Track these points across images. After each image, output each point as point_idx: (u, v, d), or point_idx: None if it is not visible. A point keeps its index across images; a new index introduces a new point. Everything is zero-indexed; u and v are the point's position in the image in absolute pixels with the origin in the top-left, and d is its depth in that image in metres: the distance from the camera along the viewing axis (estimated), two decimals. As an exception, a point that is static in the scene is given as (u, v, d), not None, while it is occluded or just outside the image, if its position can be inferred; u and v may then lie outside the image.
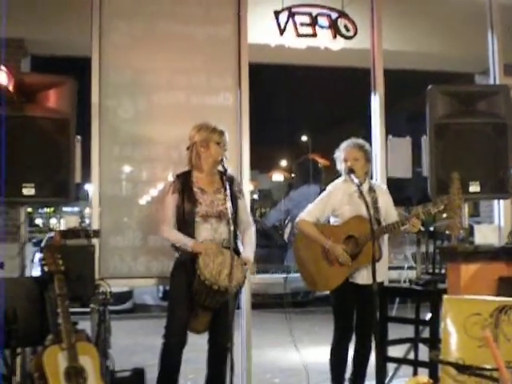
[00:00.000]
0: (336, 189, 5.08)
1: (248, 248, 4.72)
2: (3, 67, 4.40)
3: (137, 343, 8.36)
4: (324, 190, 5.23)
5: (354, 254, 4.87)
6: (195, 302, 4.49)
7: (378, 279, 4.52)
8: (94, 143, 5.35)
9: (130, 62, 5.52)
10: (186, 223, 4.61)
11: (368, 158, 5.10)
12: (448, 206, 4.67)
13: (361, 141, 5.13)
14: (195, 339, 4.71)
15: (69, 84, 4.86)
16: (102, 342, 4.67)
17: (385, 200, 5.08)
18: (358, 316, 5.00)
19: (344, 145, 5.11)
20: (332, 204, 5.02)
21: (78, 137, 4.99)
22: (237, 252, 4.52)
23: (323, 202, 5.06)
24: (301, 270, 5.07)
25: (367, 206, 4.52)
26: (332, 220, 5.11)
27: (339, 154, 5.11)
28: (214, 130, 4.71)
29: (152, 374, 4.81)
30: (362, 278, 4.90)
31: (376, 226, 4.74)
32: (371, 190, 5.01)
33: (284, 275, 5.37)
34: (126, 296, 11.82)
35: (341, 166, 5.10)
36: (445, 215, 4.75)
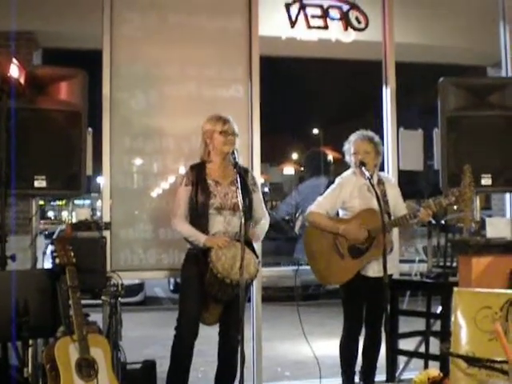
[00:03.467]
0: (345, 181, 5.05)
1: (256, 228, 4.72)
2: (14, 60, 4.41)
3: (148, 335, 8.39)
4: (332, 182, 5.20)
5: (366, 246, 4.87)
6: (207, 295, 4.50)
7: (389, 272, 4.54)
8: (105, 135, 5.35)
9: (141, 54, 5.52)
10: (199, 215, 4.59)
11: (378, 151, 5.05)
12: (459, 198, 4.66)
13: (370, 133, 5.09)
14: (206, 331, 4.72)
15: (80, 76, 4.87)
16: (113, 334, 4.68)
17: (393, 193, 5.06)
18: (368, 309, 4.99)
19: (354, 137, 5.06)
20: (342, 197, 5.00)
21: (90, 129, 5.02)
22: (249, 245, 4.53)
23: (333, 195, 5.03)
24: (312, 264, 5.04)
25: (378, 199, 4.51)
26: (341, 213, 5.09)
27: (349, 147, 5.06)
28: (217, 120, 4.69)
29: (163, 367, 4.83)
30: (373, 270, 4.89)
31: (386, 219, 4.72)
32: (380, 182, 4.99)
33: (295, 267, 5.34)
34: (137, 288, 11.87)
35: (350, 159, 5.07)
36: (455, 207, 4.73)
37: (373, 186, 4.67)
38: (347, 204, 4.99)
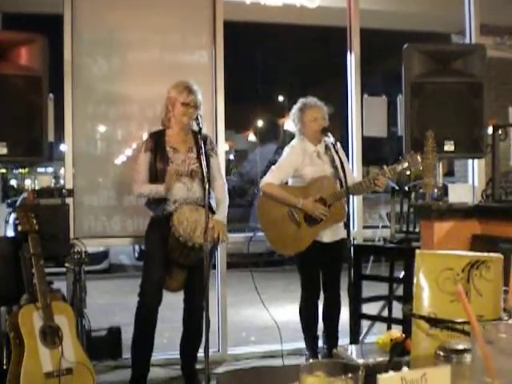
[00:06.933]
0: (296, 150, 5.01)
1: (221, 209, 4.73)
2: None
3: (113, 303, 8.39)
4: (280, 148, 5.20)
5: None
6: (170, 260, 4.50)
7: (339, 236, 4.64)
8: (67, 101, 5.29)
9: (103, 20, 5.44)
10: (159, 182, 4.59)
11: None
12: (411, 163, 4.71)
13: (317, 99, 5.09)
14: (171, 298, 4.73)
15: (40, 41, 4.76)
16: (77, 301, 4.67)
17: (343, 157, 5.04)
18: (324, 273, 5.03)
19: (307, 105, 5.02)
20: (294, 165, 4.96)
21: (51, 95, 4.93)
22: (211, 210, 4.52)
23: (286, 164, 5.00)
24: (267, 234, 5.00)
25: (342, 164, 4.56)
26: (291, 180, 5.07)
27: (301, 114, 5.02)
28: (183, 90, 4.66)
29: (128, 334, 4.83)
30: (327, 236, 4.93)
31: (338, 185, 4.76)
32: (327, 148, 4.98)
33: (250, 234, 5.33)
34: (101, 256, 11.84)
35: (302, 126, 5.03)
36: (408, 173, 4.75)
37: (337, 152, 4.70)
38: (299, 172, 4.97)
